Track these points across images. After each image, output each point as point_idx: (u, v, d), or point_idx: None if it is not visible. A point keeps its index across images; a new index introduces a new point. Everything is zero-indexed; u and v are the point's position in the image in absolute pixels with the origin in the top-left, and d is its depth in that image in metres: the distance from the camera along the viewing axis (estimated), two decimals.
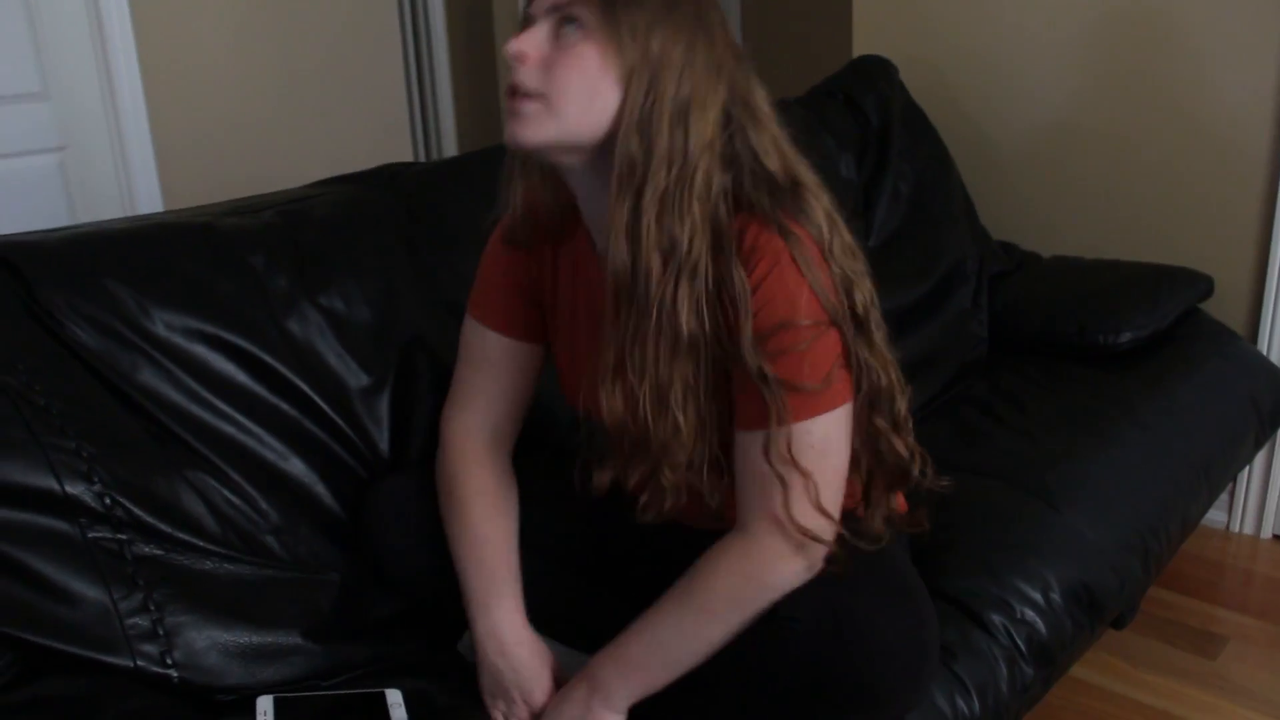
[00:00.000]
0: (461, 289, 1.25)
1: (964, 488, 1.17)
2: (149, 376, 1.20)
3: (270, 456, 1.26)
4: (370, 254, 1.44)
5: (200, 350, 1.25)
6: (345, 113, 3.02)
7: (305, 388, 1.30)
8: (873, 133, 2.13)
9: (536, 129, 0.94)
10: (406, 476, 1.25)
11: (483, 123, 4.30)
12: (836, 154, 2.06)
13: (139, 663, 1.05)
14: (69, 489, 1.06)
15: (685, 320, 0.93)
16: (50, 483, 1.06)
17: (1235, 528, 2.25)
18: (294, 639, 1.16)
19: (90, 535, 1.07)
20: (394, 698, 1.12)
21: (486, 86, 4.25)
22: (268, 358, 1.29)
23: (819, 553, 0.96)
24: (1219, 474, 1.82)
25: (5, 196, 2.39)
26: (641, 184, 0.92)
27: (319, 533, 1.26)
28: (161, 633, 1.06)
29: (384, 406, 1.36)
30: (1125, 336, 1.94)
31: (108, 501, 1.08)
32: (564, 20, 0.94)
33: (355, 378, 1.35)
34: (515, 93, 0.95)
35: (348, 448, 1.31)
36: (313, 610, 1.19)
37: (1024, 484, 1.53)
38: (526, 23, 0.97)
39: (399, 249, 1.47)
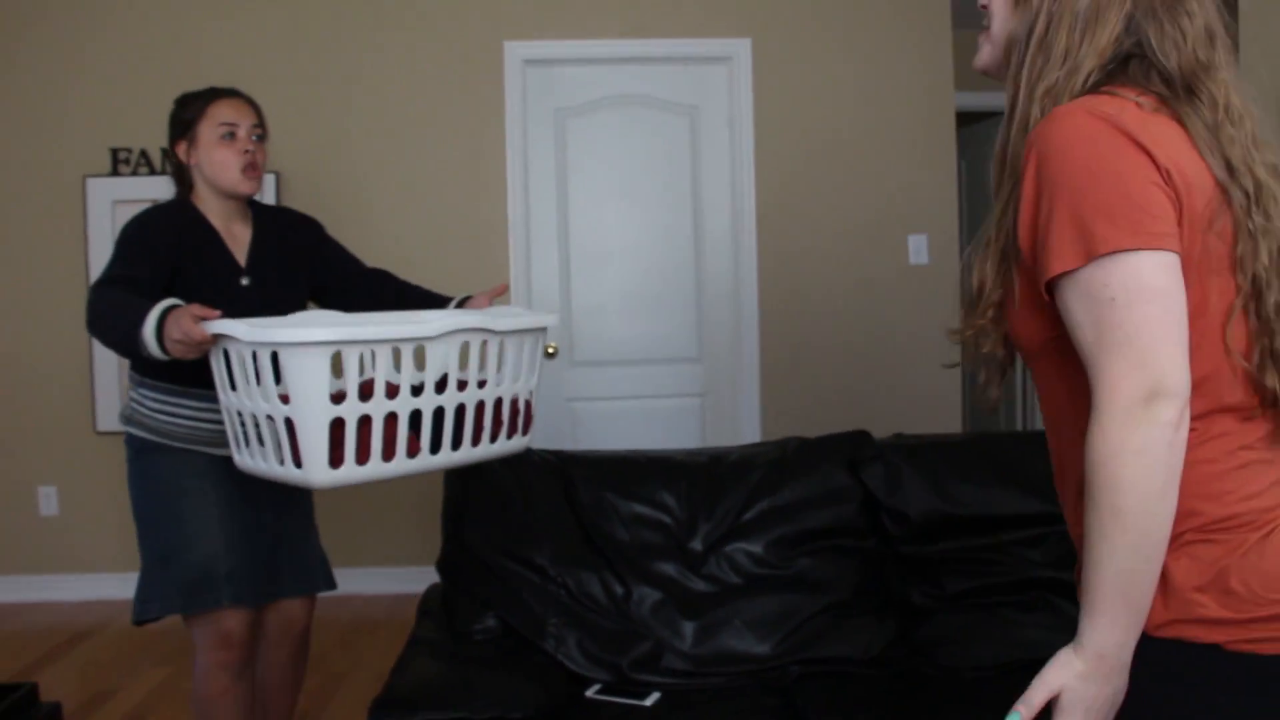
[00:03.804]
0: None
1: None
2: (604, 524, 2.54)
3: (647, 577, 2.50)
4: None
5: (637, 522, 2.56)
6: (900, 383, 4.18)
7: (679, 545, 2.53)
8: None
9: None
10: None
11: None
12: None
13: (545, 646, 2.35)
14: (543, 563, 2.44)
15: None
16: (539, 560, 2.44)
17: None
18: (617, 663, 2.36)
19: (548, 587, 2.43)
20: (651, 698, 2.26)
21: None
22: (667, 525, 2.55)
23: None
24: None
25: (665, 422, 4.04)
26: None
27: (660, 617, 2.45)
28: (558, 636, 2.36)
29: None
30: None
31: (555, 574, 2.43)
32: None
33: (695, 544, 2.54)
34: None
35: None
36: (637, 652, 2.38)
37: None
38: None
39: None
